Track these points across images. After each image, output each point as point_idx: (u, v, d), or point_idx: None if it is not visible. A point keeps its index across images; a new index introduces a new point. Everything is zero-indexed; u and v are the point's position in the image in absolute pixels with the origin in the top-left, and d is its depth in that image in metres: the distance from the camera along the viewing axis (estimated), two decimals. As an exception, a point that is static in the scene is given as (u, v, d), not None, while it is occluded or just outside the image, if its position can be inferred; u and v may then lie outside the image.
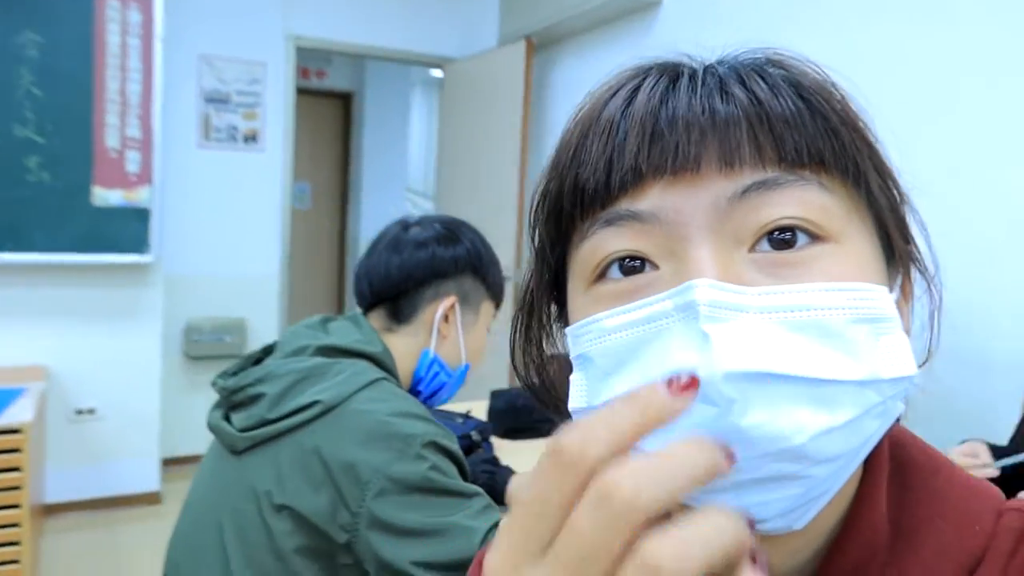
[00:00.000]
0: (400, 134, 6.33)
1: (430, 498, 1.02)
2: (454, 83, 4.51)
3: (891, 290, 0.41)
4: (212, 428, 1.16)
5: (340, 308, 6.43)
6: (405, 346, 1.23)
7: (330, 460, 1.03)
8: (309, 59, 5.68)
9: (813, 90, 0.41)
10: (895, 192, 0.43)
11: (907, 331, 0.41)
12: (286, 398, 1.08)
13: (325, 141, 6.24)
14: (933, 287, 0.45)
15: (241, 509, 1.07)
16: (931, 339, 0.44)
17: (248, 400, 1.11)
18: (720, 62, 0.44)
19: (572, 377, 0.43)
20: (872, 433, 0.38)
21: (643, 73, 0.44)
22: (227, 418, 1.14)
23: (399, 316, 1.24)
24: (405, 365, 1.23)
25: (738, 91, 0.40)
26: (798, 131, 0.39)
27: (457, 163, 4.51)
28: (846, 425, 0.36)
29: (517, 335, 0.52)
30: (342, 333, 1.19)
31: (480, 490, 1.08)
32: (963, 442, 1.68)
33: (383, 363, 1.17)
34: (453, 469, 1.07)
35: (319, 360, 1.12)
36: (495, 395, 2.10)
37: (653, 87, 0.42)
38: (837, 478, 0.39)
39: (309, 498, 1.03)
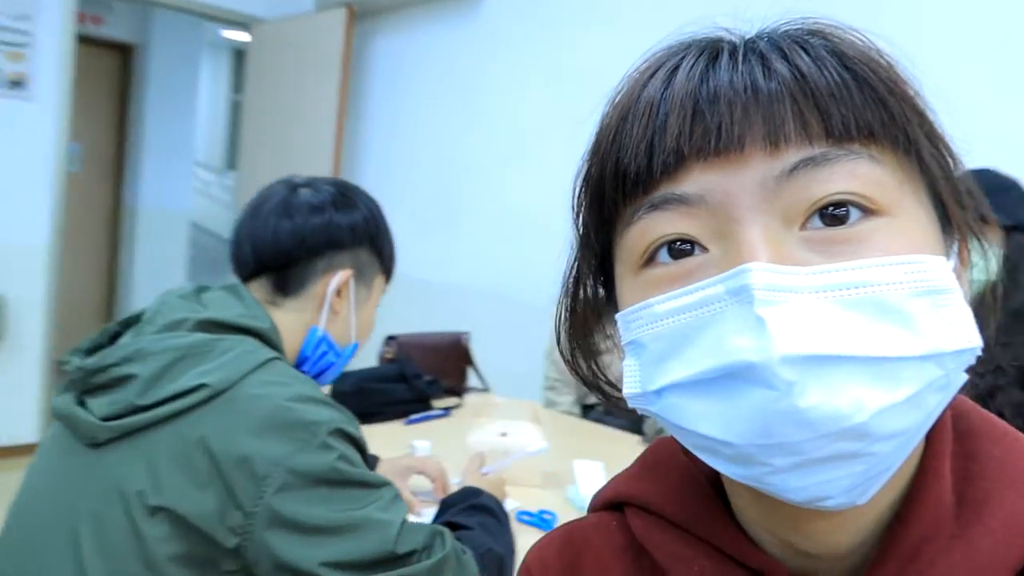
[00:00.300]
0: (188, 98, 5.78)
1: (338, 491, 0.92)
2: (263, 47, 4.20)
3: (948, 258, 0.41)
4: (61, 416, 0.96)
5: (112, 288, 5.75)
6: (291, 322, 1.10)
7: (219, 453, 0.89)
8: (84, 1, 5.00)
9: (858, 60, 0.40)
10: (948, 158, 0.42)
11: (965, 298, 0.40)
12: (163, 380, 0.92)
13: (99, 98, 5.52)
14: (991, 253, 0.44)
15: (103, 512, 0.90)
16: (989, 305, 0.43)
17: (112, 383, 0.93)
18: (760, 36, 0.43)
19: (625, 363, 0.43)
20: (935, 407, 0.37)
21: (682, 51, 0.43)
22: (82, 403, 0.95)
23: (285, 288, 1.11)
24: (290, 343, 1.10)
25: (780, 66, 0.39)
26: (844, 104, 0.38)
27: (264, 134, 4.21)
28: (907, 401, 0.35)
29: (562, 321, 0.51)
30: (222, 305, 1.04)
31: (387, 479, 0.99)
32: None
33: (272, 341, 1.04)
34: (359, 457, 0.98)
35: (201, 336, 0.96)
36: (340, 377, 1.98)
37: (693, 66, 0.41)
38: (900, 453, 0.38)
39: (192, 498, 0.88)
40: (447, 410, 2.12)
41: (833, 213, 0.38)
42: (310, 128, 3.86)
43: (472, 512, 1.16)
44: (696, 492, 0.49)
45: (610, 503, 0.54)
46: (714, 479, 0.49)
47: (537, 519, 1.39)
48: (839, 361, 0.34)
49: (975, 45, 2.03)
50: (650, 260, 0.41)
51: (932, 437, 0.43)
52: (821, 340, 0.34)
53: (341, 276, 1.11)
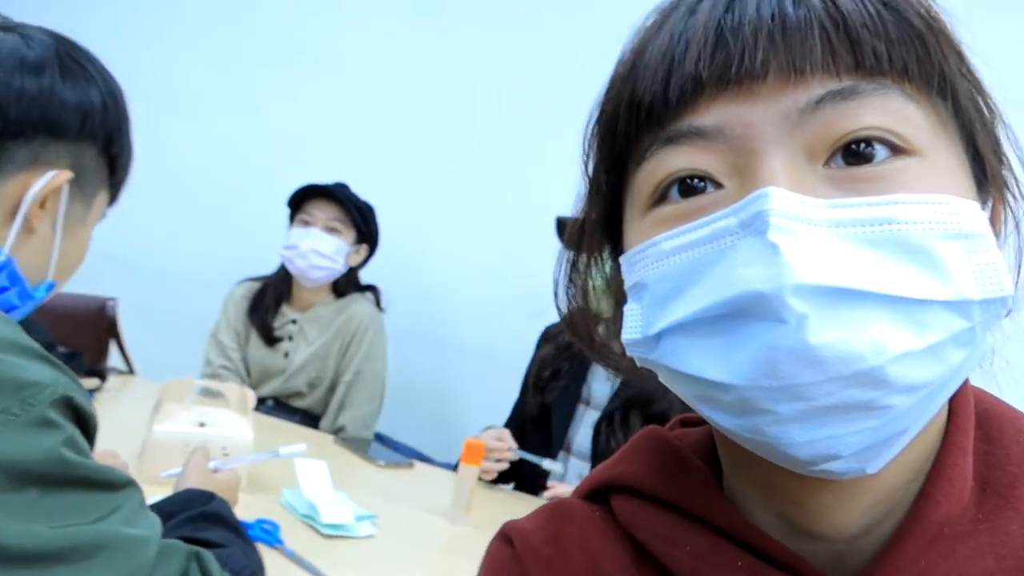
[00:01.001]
0: None
1: (63, 494, 0.60)
2: None
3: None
4: None
5: None
6: (-45, 232, 0.71)
7: None
8: None
9: None
10: (986, 108, 0.40)
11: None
12: None
13: None
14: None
15: None
16: (1016, 278, 0.40)
17: None
18: None
19: (626, 308, 0.40)
20: (958, 365, 0.35)
21: None
22: None
23: (-49, 178, 0.71)
24: (-50, 264, 0.71)
25: None
26: (877, 36, 0.36)
27: None
28: (929, 350, 0.33)
29: (563, 270, 0.49)
30: None
31: (128, 476, 0.68)
32: (488, 428, 1.80)
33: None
34: (86, 444, 0.65)
35: None
36: None
37: None
38: (918, 414, 0.35)
39: None
40: (90, 392, 1.65)
41: (859, 151, 0.35)
42: None
43: (207, 523, 0.86)
44: (687, 471, 0.45)
45: (592, 492, 0.49)
46: (706, 459, 0.46)
47: (257, 530, 1.12)
48: (858, 296, 0.32)
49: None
50: (661, 199, 0.39)
51: (955, 413, 0.41)
52: (839, 272, 0.32)
53: (52, 178, 0.75)
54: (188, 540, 0.79)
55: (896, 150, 0.35)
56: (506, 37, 2.49)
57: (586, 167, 0.45)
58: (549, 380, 1.78)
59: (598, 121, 0.43)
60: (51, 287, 0.81)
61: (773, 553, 0.39)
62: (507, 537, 0.50)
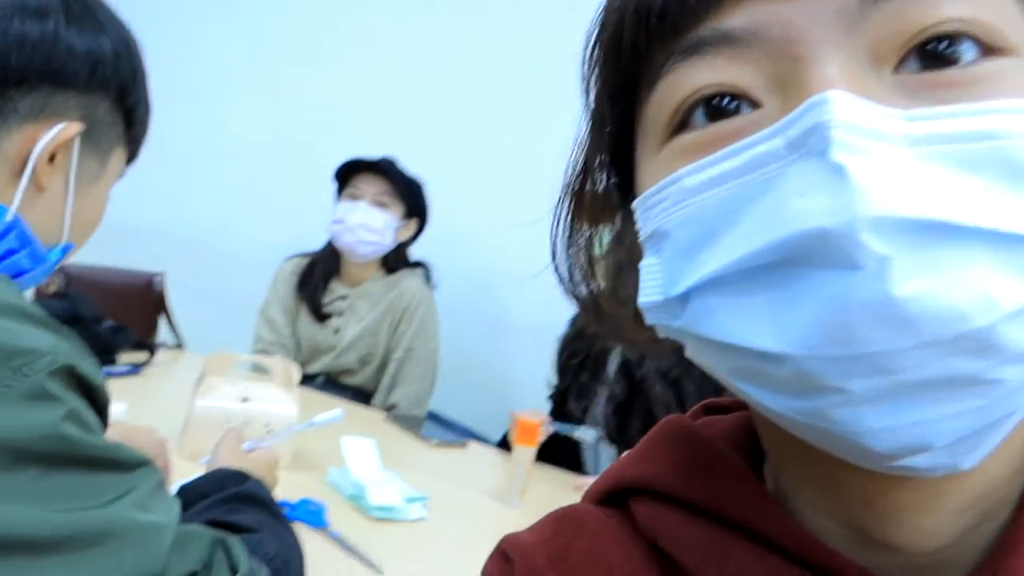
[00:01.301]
0: None
1: (63, 474, 0.54)
2: None
3: None
4: None
5: None
6: (-46, 190, 0.65)
7: None
8: None
9: None
10: None
11: None
12: None
13: None
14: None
15: None
16: None
17: None
18: None
19: (643, 263, 0.34)
20: None
21: None
22: None
23: (-49, 130, 0.65)
24: (-48, 223, 0.65)
25: None
26: None
27: None
28: None
29: (560, 228, 0.43)
30: None
31: (143, 455, 0.61)
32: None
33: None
34: (95, 418, 0.59)
35: None
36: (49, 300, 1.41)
37: None
38: None
39: None
40: (137, 367, 1.63)
41: (939, 51, 0.28)
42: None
43: (240, 505, 0.80)
44: (724, 469, 0.38)
45: (608, 495, 0.42)
46: (743, 454, 0.39)
47: (301, 511, 1.06)
48: (955, 233, 0.25)
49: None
50: (682, 126, 0.32)
51: None
52: (929, 201, 0.25)
53: (61, 131, 0.68)
54: (218, 523, 0.73)
55: (987, 49, 0.28)
56: (565, 14, 2.37)
57: (587, 97, 0.38)
58: (567, 361, 1.77)
59: (598, 38, 0.36)
60: (67, 249, 0.75)
61: (837, 568, 0.32)
62: (505, 555, 0.43)
